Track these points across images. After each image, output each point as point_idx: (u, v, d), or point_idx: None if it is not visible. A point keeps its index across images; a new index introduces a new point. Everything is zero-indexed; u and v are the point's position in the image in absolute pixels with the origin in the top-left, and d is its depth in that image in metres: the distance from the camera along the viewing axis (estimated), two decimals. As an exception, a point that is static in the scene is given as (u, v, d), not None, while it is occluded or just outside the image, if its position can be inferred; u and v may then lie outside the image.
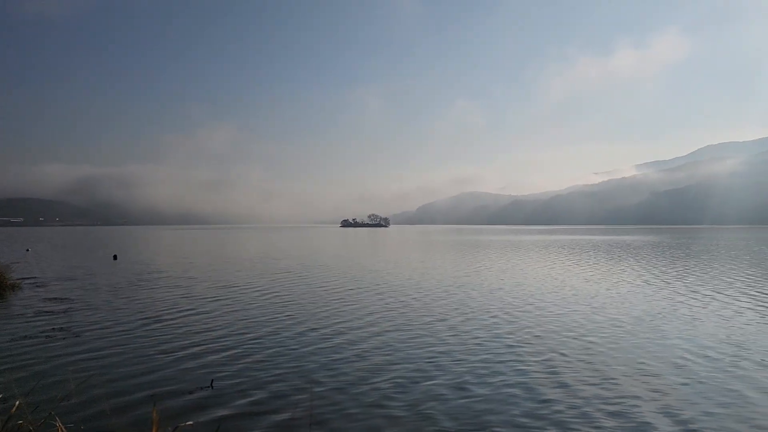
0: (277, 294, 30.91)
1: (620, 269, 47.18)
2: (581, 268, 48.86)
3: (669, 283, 35.97)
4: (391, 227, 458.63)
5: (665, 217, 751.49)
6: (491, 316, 23.57)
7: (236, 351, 17.30)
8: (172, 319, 22.95)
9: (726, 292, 31.21)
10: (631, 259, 59.99)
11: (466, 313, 24.36)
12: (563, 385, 13.73)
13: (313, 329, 20.76)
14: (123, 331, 20.62)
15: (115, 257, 63.48)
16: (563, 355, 16.85)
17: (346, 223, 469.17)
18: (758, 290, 32.15)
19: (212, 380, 13.95)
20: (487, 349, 17.53)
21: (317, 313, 24.36)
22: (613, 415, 11.74)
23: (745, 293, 30.90)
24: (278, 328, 21.08)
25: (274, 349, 17.51)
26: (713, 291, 31.88)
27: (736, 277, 39.73)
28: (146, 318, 23.28)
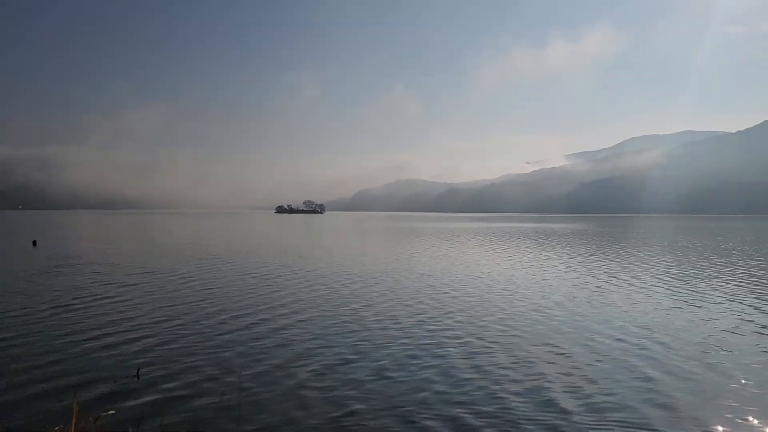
0: (203, 281, 30.30)
1: (545, 256, 48.92)
2: (509, 255, 50.29)
3: (589, 270, 37.61)
4: (327, 214, 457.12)
5: (592, 206, 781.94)
6: (417, 302, 23.96)
7: (161, 339, 16.89)
8: (93, 307, 22.17)
9: (640, 278, 32.97)
10: (557, 247, 62.31)
11: (392, 300, 24.65)
12: (477, 368, 14.12)
13: (238, 316, 20.48)
14: (42, 318, 19.81)
15: (34, 243, 60.39)
16: (481, 339, 17.30)
17: (281, 209, 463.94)
18: (669, 276, 34.02)
19: (138, 369, 13.57)
20: (408, 334, 17.79)
21: (243, 300, 24.06)
22: (520, 394, 12.18)
23: (658, 278, 32.72)
24: (203, 315, 20.69)
25: (198, 337, 17.19)
26: (629, 277, 33.61)
27: (651, 264, 42.04)
28: (66, 305, 22.40)
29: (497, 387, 12.65)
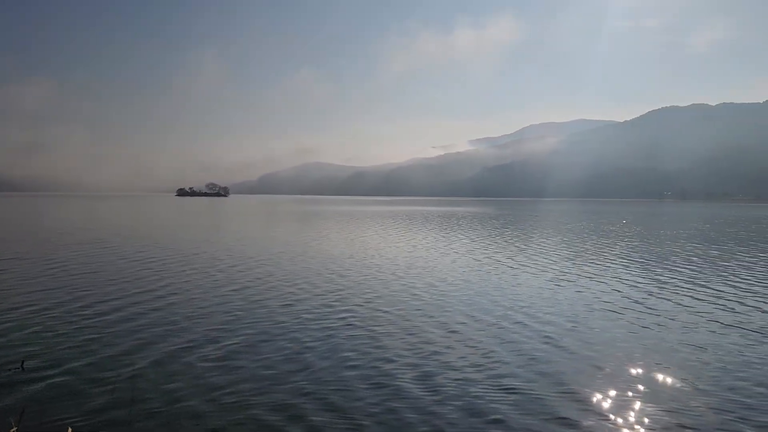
0: (87, 267, 29.04)
1: (439, 238, 50.80)
2: (403, 238, 51.73)
3: (476, 250, 39.41)
4: (232, 197, 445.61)
5: (495, 190, 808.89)
6: (294, 285, 24.19)
7: (46, 327, 16.23)
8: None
9: (527, 258, 35.02)
10: (454, 229, 64.72)
11: (266, 282, 24.81)
12: (358, 347, 14.66)
13: (124, 305, 19.90)
14: None
15: None
16: (361, 318, 17.88)
17: (182, 192, 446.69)
18: (553, 256, 36.48)
19: (23, 360, 13.03)
20: (299, 318, 18.06)
21: (130, 288, 23.31)
22: (406, 368, 12.77)
23: (541, 258, 34.86)
24: (91, 302, 19.90)
25: (86, 325, 16.58)
26: (517, 257, 35.56)
27: (537, 244, 44.75)
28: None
29: (383, 363, 13.26)
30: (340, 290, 22.98)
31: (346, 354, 13.97)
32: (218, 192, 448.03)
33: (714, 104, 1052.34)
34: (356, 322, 17.29)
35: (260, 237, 51.40)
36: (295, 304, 20.11)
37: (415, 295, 22.16)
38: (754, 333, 16.38)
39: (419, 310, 19.32)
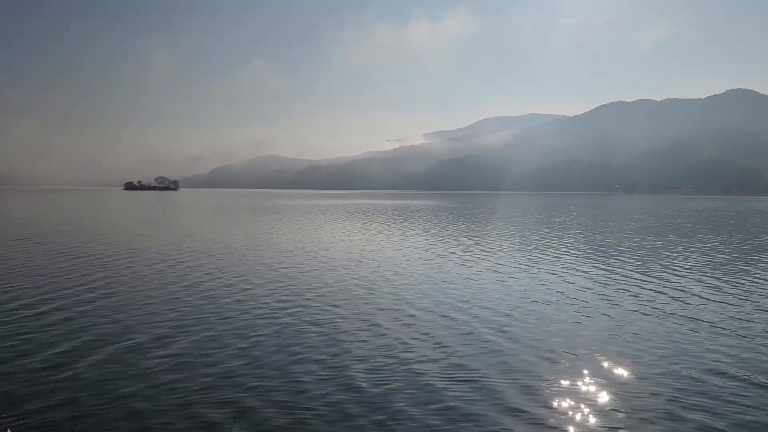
0: (23, 263, 27.91)
1: (389, 232, 51.03)
2: (354, 231, 51.85)
3: (436, 244, 39.73)
4: (182, 191, 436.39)
5: (450, 183, 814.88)
6: (244, 281, 23.86)
7: None
8: None
9: (474, 249, 35.38)
10: (410, 222, 64.97)
11: (214, 278, 24.35)
12: (304, 340, 14.53)
13: (62, 304, 19.17)
14: None
15: None
16: (299, 320, 17.67)
17: (130, 186, 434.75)
18: (505, 249, 36.73)
19: None
20: (242, 311, 17.80)
21: (69, 283, 22.54)
22: (356, 360, 12.71)
23: (489, 250, 35.32)
24: (22, 304, 19.01)
25: (18, 326, 15.91)
26: (465, 248, 35.95)
27: (485, 237, 45.25)
28: None
29: (331, 357, 13.17)
30: (291, 285, 22.69)
31: (294, 348, 13.79)
32: (168, 186, 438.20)
33: (659, 100, 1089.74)
34: (305, 317, 17.09)
35: (209, 232, 50.31)
36: (244, 299, 19.76)
37: (366, 288, 22.09)
38: (691, 320, 16.97)
39: (368, 303, 19.28)
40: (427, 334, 15.23)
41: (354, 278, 24.35)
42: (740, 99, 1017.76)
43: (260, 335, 14.94)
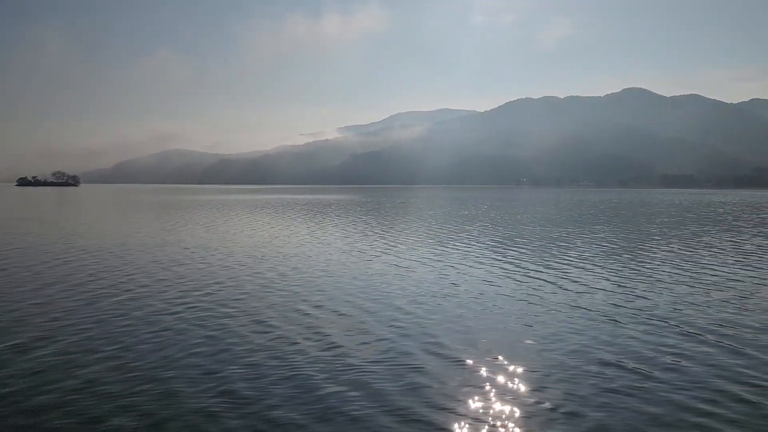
0: None
1: (308, 226, 50.39)
2: (271, 226, 50.69)
3: (345, 238, 39.47)
4: (83, 186, 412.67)
5: (364, 177, 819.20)
6: (133, 281, 22.62)
7: None
8: None
9: (389, 244, 35.45)
10: (321, 217, 64.59)
11: (101, 278, 22.95)
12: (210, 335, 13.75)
13: None
14: None
15: None
16: (184, 320, 16.88)
17: (23, 182, 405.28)
18: (411, 242, 37.05)
19: None
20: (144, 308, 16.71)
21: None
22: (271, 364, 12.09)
23: (400, 245, 35.45)
24: None
25: None
26: (372, 241, 35.86)
27: (393, 229, 45.40)
28: None
29: (219, 353, 12.50)
30: (181, 284, 21.62)
31: (169, 351, 13.04)
32: (67, 181, 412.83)
33: (563, 97, 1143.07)
34: (190, 318, 16.26)
35: (105, 229, 47.55)
36: (126, 301, 18.59)
37: (261, 285, 21.43)
38: (582, 309, 17.54)
39: (261, 301, 18.67)
40: (316, 330, 14.86)
41: (250, 276, 23.52)
42: (635, 97, 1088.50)
43: (135, 339, 13.98)
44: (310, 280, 22.63)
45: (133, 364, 12.10)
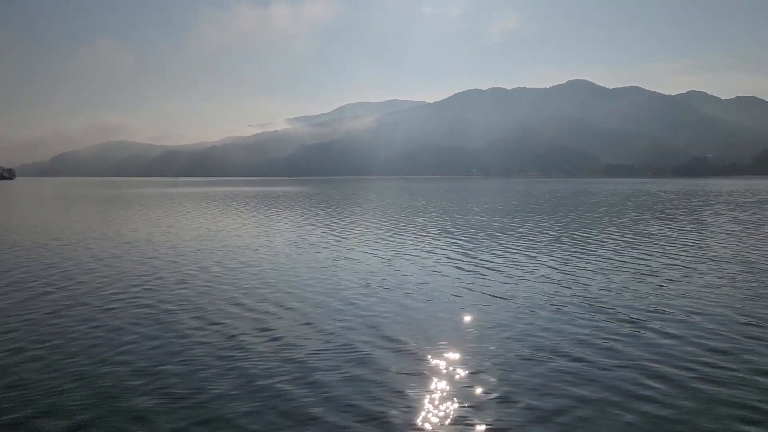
0: None
1: (254, 219, 49.69)
2: (216, 219, 49.78)
3: (290, 231, 39.21)
4: (19, 180, 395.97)
5: (314, 169, 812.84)
6: (69, 279, 21.87)
7: None
8: None
9: (328, 236, 35.40)
10: (268, 209, 63.96)
11: (30, 276, 21.99)
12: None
13: None
14: None
15: None
16: (119, 318, 16.44)
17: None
18: (353, 235, 37.03)
19: None
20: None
21: None
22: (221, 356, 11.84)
23: (338, 237, 35.44)
24: None
25: None
26: (322, 233, 35.78)
27: (342, 223, 45.53)
28: None
29: (138, 358, 12.14)
30: (117, 281, 21.01)
31: (98, 350, 12.62)
32: (2, 174, 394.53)
33: (510, 88, 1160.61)
34: (123, 315, 15.82)
35: (38, 224, 45.40)
36: (67, 297, 17.92)
37: (203, 280, 21.03)
38: (523, 297, 17.95)
39: (204, 295, 18.33)
40: (259, 324, 14.66)
41: (194, 270, 22.99)
42: (579, 89, 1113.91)
43: (66, 338, 13.44)
44: (255, 273, 22.29)
45: (60, 364, 11.64)
